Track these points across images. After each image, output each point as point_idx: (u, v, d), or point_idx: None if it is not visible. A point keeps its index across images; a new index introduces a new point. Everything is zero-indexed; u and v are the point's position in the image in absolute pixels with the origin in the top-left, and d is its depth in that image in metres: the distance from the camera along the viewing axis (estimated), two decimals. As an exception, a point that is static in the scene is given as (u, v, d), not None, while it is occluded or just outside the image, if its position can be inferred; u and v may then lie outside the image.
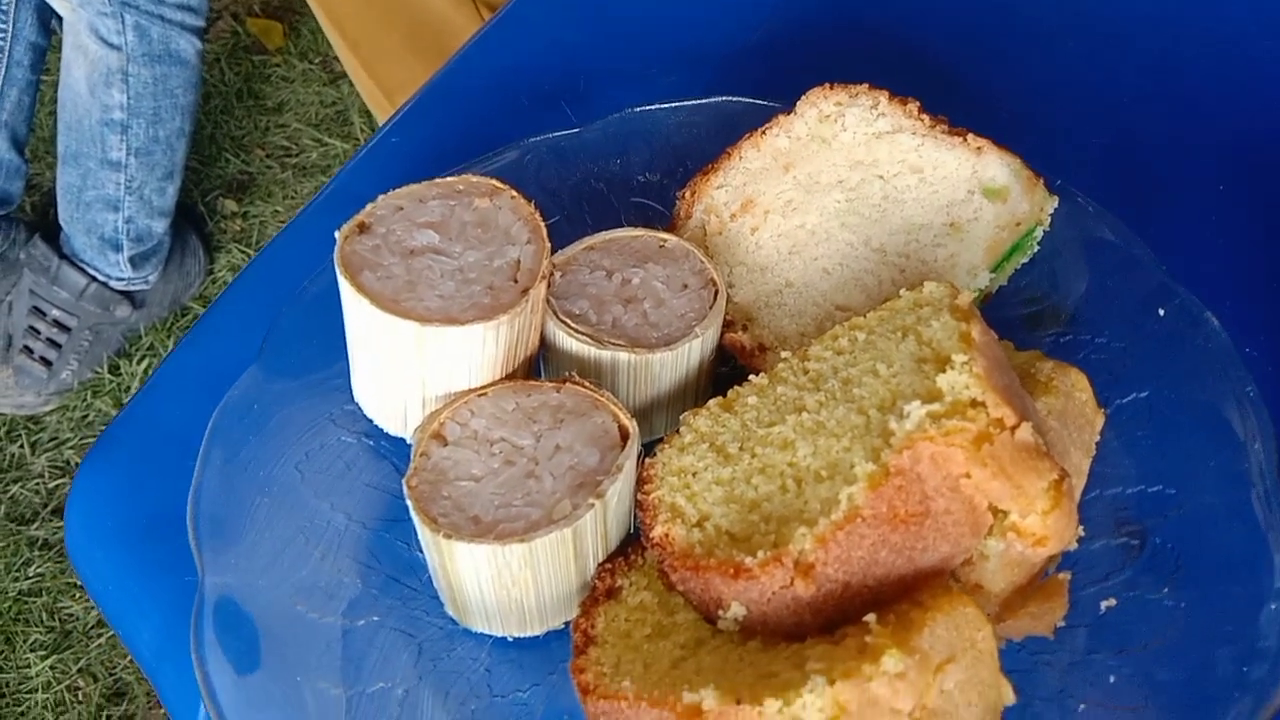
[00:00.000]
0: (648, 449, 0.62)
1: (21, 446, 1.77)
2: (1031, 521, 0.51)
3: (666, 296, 0.66)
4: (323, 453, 0.69)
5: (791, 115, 0.70)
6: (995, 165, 0.68)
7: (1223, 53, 0.91)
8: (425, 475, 0.59)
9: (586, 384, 0.62)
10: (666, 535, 0.57)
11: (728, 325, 0.69)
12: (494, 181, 0.66)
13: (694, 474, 0.60)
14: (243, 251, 1.93)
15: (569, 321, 0.65)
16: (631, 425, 0.60)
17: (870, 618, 0.48)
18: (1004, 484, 0.50)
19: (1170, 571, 0.61)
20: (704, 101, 0.80)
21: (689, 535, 0.56)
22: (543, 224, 0.64)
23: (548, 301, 0.65)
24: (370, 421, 0.67)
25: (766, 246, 0.71)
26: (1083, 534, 0.59)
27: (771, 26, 0.95)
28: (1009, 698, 0.50)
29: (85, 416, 1.78)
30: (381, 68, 1.37)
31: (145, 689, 1.56)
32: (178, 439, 0.72)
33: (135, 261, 1.72)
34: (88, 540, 0.77)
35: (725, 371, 0.71)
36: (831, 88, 0.69)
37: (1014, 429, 0.50)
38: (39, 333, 1.73)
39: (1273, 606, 0.56)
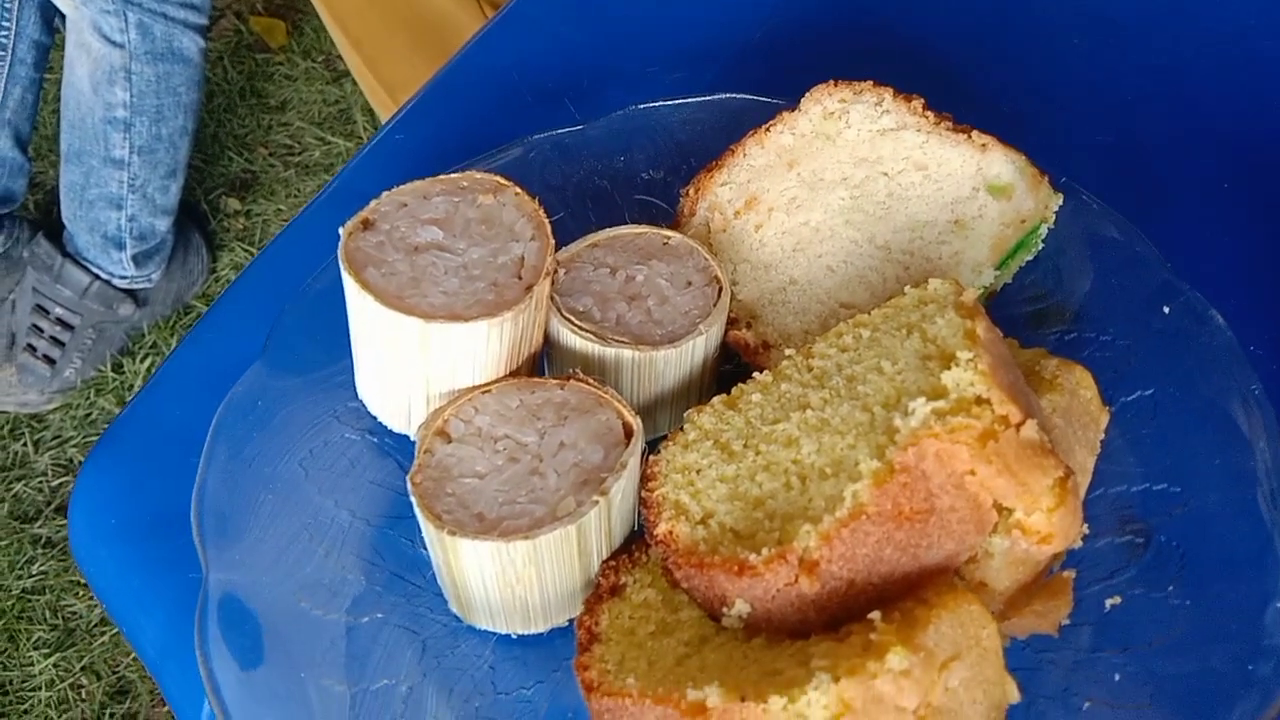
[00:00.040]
0: (652, 446, 0.62)
1: (25, 445, 1.77)
2: (1036, 519, 0.51)
3: (670, 294, 0.66)
4: (327, 450, 0.69)
5: (796, 112, 0.70)
6: (1000, 162, 0.67)
7: (1229, 51, 0.91)
8: (429, 472, 0.59)
9: (590, 381, 0.62)
10: (671, 532, 0.57)
11: (732, 322, 0.69)
12: (498, 178, 0.66)
13: (698, 471, 0.60)
14: (246, 249, 1.93)
15: (573, 318, 0.65)
16: (636, 422, 0.60)
17: (875, 615, 0.48)
18: (1009, 481, 0.50)
19: (1175, 569, 0.60)
20: (708, 98, 0.80)
21: (693, 532, 0.56)
22: (547, 221, 0.64)
23: (552, 298, 0.65)
24: (374, 418, 0.67)
25: (771, 244, 0.71)
26: (1087, 532, 0.59)
27: (775, 24, 0.95)
28: (1014, 695, 0.50)
29: (88, 415, 1.78)
30: (384, 65, 1.37)
31: (149, 687, 1.56)
32: (181, 437, 0.72)
33: (138, 260, 1.72)
34: (91, 538, 0.77)
35: (729, 369, 0.71)
36: (836, 84, 0.69)
37: (1019, 426, 0.50)
38: (42, 331, 1.73)
39: (1278, 604, 0.56)
